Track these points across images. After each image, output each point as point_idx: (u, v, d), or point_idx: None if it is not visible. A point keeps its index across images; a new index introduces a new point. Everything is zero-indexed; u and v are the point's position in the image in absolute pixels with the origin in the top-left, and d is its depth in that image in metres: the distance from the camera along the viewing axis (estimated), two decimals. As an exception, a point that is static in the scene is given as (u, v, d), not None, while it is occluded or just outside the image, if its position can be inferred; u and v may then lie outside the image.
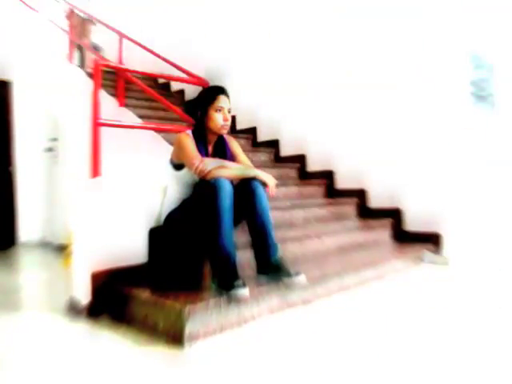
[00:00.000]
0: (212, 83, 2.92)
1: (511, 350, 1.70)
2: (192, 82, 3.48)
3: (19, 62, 4.76)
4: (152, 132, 3.09)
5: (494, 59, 3.85)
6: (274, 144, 4.36)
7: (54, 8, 5.06)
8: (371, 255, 2.96)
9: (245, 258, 2.12)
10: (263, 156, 4.16)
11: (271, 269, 2.03)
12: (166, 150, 2.36)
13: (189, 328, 1.74)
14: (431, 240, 3.30)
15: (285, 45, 4.32)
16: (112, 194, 2.20)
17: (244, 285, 1.86)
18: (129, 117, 3.41)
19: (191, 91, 4.91)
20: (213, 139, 2.24)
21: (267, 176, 2.14)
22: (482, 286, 2.69)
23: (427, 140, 3.36)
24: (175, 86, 5.55)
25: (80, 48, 5.04)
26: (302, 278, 2.02)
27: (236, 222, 2.06)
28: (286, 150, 4.31)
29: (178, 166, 2.14)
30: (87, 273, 2.11)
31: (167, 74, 3.96)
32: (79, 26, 5.11)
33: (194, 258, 2.12)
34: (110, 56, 4.82)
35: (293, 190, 3.50)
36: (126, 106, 3.55)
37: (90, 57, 4.87)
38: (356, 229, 3.28)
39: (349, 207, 3.57)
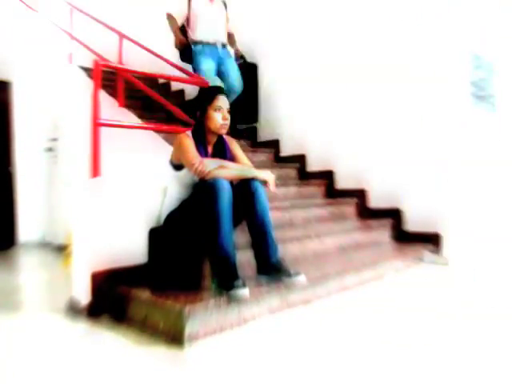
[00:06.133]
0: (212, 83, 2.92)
1: (510, 350, 1.70)
2: (192, 82, 3.48)
3: (19, 62, 4.76)
4: (152, 132, 3.09)
5: (494, 59, 3.85)
6: (274, 144, 4.36)
7: (54, 8, 5.05)
8: (371, 255, 2.96)
9: (245, 258, 2.12)
10: (263, 156, 4.16)
11: (271, 269, 2.04)
12: (166, 151, 2.36)
13: (189, 328, 1.74)
14: (431, 240, 3.30)
15: (285, 45, 4.32)
16: (112, 194, 2.20)
17: (244, 285, 1.86)
18: (129, 117, 3.41)
19: (191, 91, 4.91)
20: (212, 140, 2.24)
21: (266, 174, 2.15)
22: (482, 286, 2.69)
23: (427, 140, 3.36)
24: (175, 86, 5.55)
25: None
26: (301, 278, 2.02)
27: (236, 223, 2.06)
28: (285, 150, 4.31)
29: (177, 167, 2.15)
30: (87, 273, 2.11)
31: (167, 74, 3.95)
32: None
33: (194, 259, 2.12)
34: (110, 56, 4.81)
35: (293, 190, 3.50)
36: (126, 106, 3.55)
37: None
38: (356, 229, 3.28)
39: (349, 207, 3.57)
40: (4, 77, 4.95)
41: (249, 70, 4.26)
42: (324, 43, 3.99)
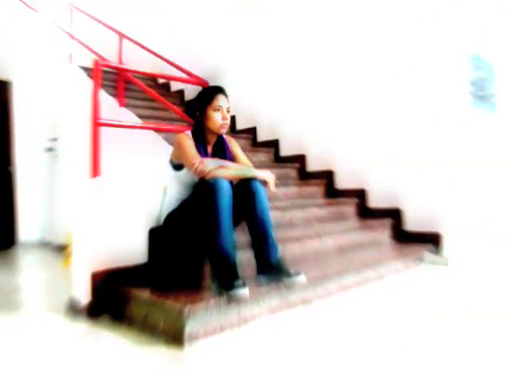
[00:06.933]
0: (212, 83, 2.92)
1: (510, 350, 1.70)
2: (192, 82, 3.49)
3: (19, 62, 4.76)
4: (152, 132, 3.09)
5: (494, 59, 3.85)
6: (274, 144, 4.36)
7: (53, 8, 5.05)
8: (371, 255, 2.96)
9: (245, 258, 2.12)
10: (263, 156, 4.16)
11: (271, 269, 2.03)
12: (166, 150, 2.36)
13: (189, 328, 1.74)
14: (431, 240, 3.30)
15: (284, 45, 4.32)
16: (112, 194, 2.20)
17: (244, 285, 1.86)
18: (129, 117, 3.41)
19: (191, 91, 4.91)
20: (212, 139, 2.24)
21: (266, 173, 2.15)
22: (482, 286, 2.69)
23: (427, 140, 3.36)
24: (175, 85, 5.55)
25: None
26: (301, 278, 2.02)
27: (236, 222, 2.06)
28: (286, 150, 4.31)
29: (177, 167, 2.15)
30: (87, 273, 2.11)
31: (167, 74, 3.95)
32: None
33: (194, 258, 2.12)
34: (110, 56, 4.82)
35: (293, 190, 3.50)
36: (126, 106, 3.55)
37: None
38: (356, 229, 3.28)
39: (349, 207, 3.57)
40: (4, 77, 4.96)
41: None
42: (325, 44, 3.99)
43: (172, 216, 2.18)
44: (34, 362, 1.65)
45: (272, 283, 2.04)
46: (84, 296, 2.12)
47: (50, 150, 4.94)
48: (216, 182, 1.94)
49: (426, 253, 3.25)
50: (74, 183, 2.61)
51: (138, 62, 4.63)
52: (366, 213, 3.63)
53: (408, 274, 2.92)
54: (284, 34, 4.32)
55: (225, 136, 2.29)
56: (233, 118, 4.71)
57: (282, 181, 3.35)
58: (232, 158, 2.25)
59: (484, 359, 1.60)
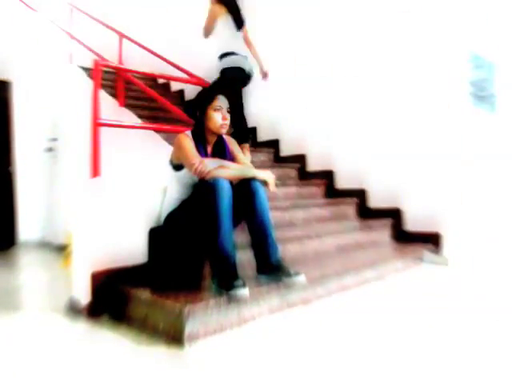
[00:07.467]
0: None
1: (510, 349, 1.70)
2: (192, 82, 3.49)
3: (19, 62, 4.77)
4: (152, 132, 3.09)
5: (494, 59, 3.85)
6: (274, 144, 4.36)
7: (54, 8, 5.06)
8: (371, 255, 2.96)
9: (245, 258, 2.12)
10: (263, 156, 4.16)
11: (271, 269, 2.04)
12: (166, 151, 2.36)
13: (189, 328, 1.74)
14: (431, 240, 3.30)
15: (284, 45, 4.32)
16: (112, 194, 2.20)
17: (244, 285, 1.86)
18: (129, 117, 3.41)
19: (191, 91, 4.91)
20: (212, 140, 2.24)
21: (266, 174, 2.15)
22: (482, 286, 2.70)
23: (427, 140, 3.36)
24: (175, 85, 5.55)
25: None
26: (301, 278, 2.02)
27: (236, 223, 2.06)
28: (286, 150, 4.31)
29: (177, 167, 2.14)
30: (87, 273, 2.11)
31: (167, 74, 3.96)
32: None
33: (194, 258, 2.12)
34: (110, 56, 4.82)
35: (293, 190, 3.50)
36: (126, 106, 3.55)
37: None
38: (356, 229, 3.28)
39: (349, 207, 3.57)
40: (4, 77, 4.95)
41: None
42: (324, 43, 3.99)
43: (172, 216, 2.17)
44: (34, 362, 1.65)
45: (272, 283, 2.04)
46: (84, 296, 2.12)
47: (50, 150, 4.94)
48: (216, 182, 1.94)
49: (426, 253, 3.25)
50: (74, 183, 2.61)
51: (138, 62, 4.64)
52: (365, 213, 3.63)
53: (408, 274, 2.92)
54: (283, 33, 4.32)
55: (225, 136, 2.29)
56: (233, 118, 4.70)
57: (281, 181, 3.36)
58: (232, 158, 2.25)
59: (483, 358, 1.60)
